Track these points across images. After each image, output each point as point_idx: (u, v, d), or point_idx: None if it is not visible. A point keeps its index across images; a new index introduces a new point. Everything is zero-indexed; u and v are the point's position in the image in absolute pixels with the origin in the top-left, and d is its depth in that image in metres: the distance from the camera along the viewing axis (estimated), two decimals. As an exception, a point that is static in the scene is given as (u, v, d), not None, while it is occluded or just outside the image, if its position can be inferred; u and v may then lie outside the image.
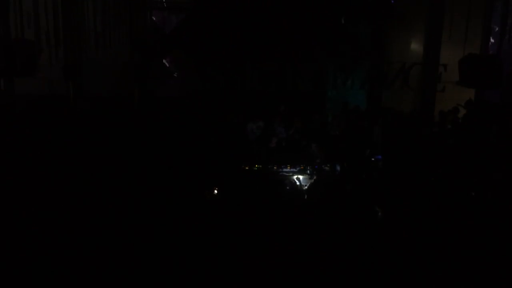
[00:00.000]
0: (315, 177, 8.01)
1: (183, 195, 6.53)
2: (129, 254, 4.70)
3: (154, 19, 11.40)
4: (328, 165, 8.71)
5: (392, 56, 11.56)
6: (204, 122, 9.88)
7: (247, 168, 8.59)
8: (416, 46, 12.36)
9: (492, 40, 11.64)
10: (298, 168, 8.67)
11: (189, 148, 8.73)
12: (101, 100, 10.36)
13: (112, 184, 6.78)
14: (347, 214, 5.75)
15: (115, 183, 6.82)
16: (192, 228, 5.37)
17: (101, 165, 7.43)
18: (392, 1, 11.20)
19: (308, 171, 8.54)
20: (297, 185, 7.80)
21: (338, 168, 8.62)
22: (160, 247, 4.90)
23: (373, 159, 9.06)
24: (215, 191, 6.98)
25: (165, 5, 11.84)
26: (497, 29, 12.19)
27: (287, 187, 7.23)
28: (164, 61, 11.73)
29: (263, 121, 9.96)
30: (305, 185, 7.78)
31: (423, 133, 9.94)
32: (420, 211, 5.99)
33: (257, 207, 5.89)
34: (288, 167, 8.67)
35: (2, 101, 10.50)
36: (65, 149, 8.18)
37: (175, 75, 11.69)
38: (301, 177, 8.28)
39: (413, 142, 9.43)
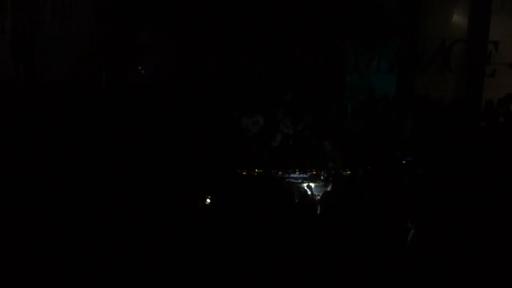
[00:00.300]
0: (330, 185, 8.06)
1: (165, 205, 6.87)
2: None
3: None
4: (348, 170, 8.77)
5: (429, 31, 11.42)
6: (190, 115, 9.91)
7: (244, 173, 8.73)
8: (459, 18, 12.20)
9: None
10: (309, 174, 8.70)
11: (172, 148, 8.90)
12: (60, 87, 10.21)
13: (71, 189, 7.14)
14: (371, 232, 6.00)
15: (75, 188, 7.17)
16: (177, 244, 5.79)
17: (61, 166, 7.84)
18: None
19: (322, 177, 8.56)
20: (308, 195, 7.81)
21: (361, 173, 8.63)
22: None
23: (404, 161, 9.11)
24: (208, 201, 7.22)
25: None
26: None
27: (295, 198, 7.39)
28: (140, 37, 11.53)
29: (262, 114, 9.99)
30: (318, 195, 7.83)
31: (467, 128, 9.92)
32: (464, 228, 6.10)
33: (258, 223, 6.17)
34: (297, 172, 8.74)
35: None
36: (15, 148, 8.41)
37: (153, 55, 11.51)
38: (312, 184, 8.29)
39: (455, 140, 9.51)
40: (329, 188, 7.92)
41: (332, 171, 8.73)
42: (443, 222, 6.23)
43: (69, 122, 9.28)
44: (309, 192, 7.98)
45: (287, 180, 8.65)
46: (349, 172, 8.77)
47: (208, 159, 8.76)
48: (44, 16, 9.47)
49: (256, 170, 8.82)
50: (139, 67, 10.81)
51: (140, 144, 8.73)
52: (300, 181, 8.60)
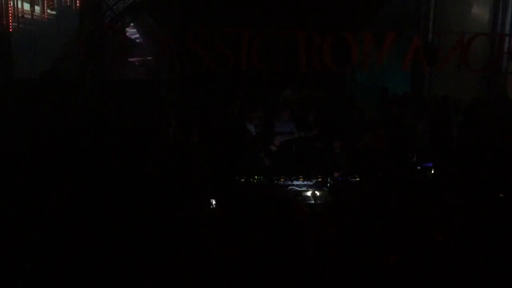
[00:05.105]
0: (332, 193, 8.31)
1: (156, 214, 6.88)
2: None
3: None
4: (357, 177, 8.87)
5: (445, 24, 11.61)
6: (184, 115, 9.98)
7: (242, 180, 8.82)
8: (479, 10, 12.30)
9: None
10: (314, 181, 8.79)
11: (164, 151, 8.98)
12: (36, 86, 10.24)
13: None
14: (384, 246, 5.81)
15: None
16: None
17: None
18: None
19: (329, 185, 8.68)
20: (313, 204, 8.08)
21: (371, 180, 8.77)
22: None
23: (419, 167, 9.23)
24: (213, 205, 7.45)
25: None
26: None
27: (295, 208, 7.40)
28: (127, 31, 11.47)
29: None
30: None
31: (489, 131, 9.88)
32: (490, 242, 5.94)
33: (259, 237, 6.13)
34: (300, 179, 8.84)
35: None
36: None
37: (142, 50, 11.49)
38: (318, 193, 8.44)
39: (475, 145, 9.53)
40: (331, 197, 8.05)
41: (339, 178, 8.81)
42: (466, 235, 6.13)
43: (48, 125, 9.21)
44: (314, 201, 8.17)
45: (290, 187, 8.70)
46: (358, 179, 8.82)
47: (203, 164, 8.78)
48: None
49: (256, 177, 8.86)
50: (127, 63, 10.78)
51: (130, 147, 8.71)
52: (304, 189, 8.65)
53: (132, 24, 11.51)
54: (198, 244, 6.16)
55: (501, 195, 7.68)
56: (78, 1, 9.47)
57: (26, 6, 9.01)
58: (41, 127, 8.88)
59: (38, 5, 9.70)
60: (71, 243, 5.90)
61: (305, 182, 8.76)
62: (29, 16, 9.26)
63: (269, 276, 5.35)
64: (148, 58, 11.62)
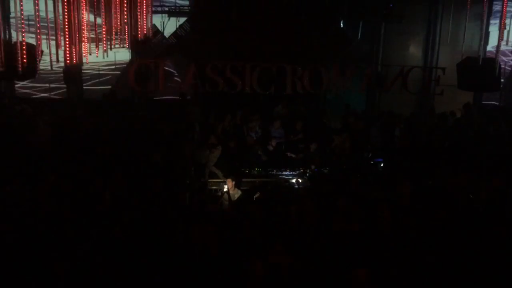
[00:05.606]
0: (310, 180, 8.23)
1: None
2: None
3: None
4: (327, 168, 8.79)
5: (391, 60, 11.45)
6: (204, 124, 9.80)
7: (246, 171, 8.70)
8: (414, 50, 12.49)
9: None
10: (297, 172, 8.78)
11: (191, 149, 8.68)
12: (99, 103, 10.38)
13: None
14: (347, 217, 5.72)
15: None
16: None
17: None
18: (391, 5, 11.06)
19: (308, 175, 8.64)
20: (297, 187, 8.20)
21: (337, 170, 8.64)
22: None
23: (372, 161, 9.20)
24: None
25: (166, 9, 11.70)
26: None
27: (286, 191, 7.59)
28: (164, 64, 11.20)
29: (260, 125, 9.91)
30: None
31: (422, 135, 9.89)
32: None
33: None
34: (287, 171, 8.82)
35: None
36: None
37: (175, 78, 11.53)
38: (300, 180, 8.49)
39: (412, 144, 9.42)
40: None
41: (315, 169, 8.72)
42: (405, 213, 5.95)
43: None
44: (297, 186, 8.12)
45: (280, 176, 8.65)
46: (328, 170, 8.75)
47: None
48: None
49: (256, 169, 8.79)
50: (164, 87, 10.52)
51: (167, 146, 8.46)
52: (290, 177, 8.61)
53: (168, 59, 11.47)
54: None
55: (430, 182, 7.58)
56: (128, 43, 9.34)
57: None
58: (102, 131, 8.87)
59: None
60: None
61: (291, 173, 8.75)
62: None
63: (266, 234, 5.30)
64: (179, 83, 11.55)
